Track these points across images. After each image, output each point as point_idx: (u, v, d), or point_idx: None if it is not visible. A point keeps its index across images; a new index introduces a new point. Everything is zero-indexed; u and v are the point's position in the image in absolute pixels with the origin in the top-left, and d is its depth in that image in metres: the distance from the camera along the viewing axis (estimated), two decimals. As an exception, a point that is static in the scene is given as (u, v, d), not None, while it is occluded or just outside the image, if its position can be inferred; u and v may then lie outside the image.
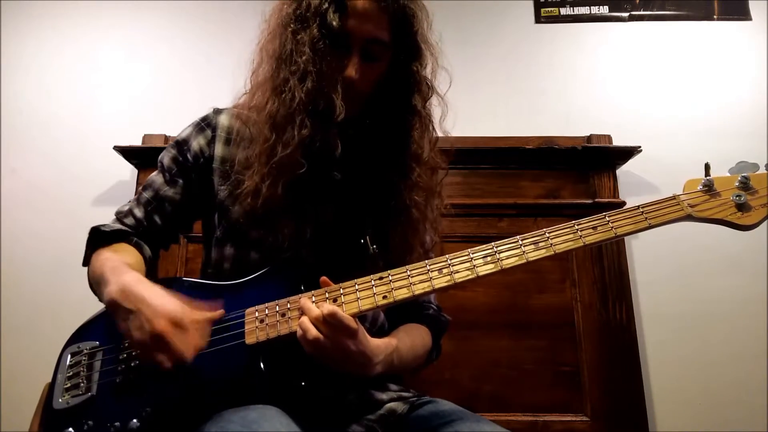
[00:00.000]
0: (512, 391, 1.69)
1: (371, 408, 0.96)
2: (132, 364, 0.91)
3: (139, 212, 1.07)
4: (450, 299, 1.72)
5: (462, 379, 1.69)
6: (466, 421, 0.87)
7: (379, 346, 0.90)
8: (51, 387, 0.96)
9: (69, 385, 0.94)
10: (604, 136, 1.95)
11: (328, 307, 0.83)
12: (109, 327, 0.95)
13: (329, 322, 0.82)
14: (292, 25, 0.97)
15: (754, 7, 2.22)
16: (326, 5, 0.94)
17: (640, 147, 1.87)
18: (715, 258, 1.93)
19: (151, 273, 1.08)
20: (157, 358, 0.81)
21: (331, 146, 0.97)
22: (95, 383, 0.92)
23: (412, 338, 1.02)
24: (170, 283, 0.96)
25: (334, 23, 0.93)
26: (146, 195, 1.08)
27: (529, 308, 1.76)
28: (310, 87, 0.94)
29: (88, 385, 0.92)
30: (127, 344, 0.93)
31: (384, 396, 0.99)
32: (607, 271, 1.79)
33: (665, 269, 1.94)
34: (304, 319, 0.83)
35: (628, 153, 1.89)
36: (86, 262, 1.04)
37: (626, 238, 1.85)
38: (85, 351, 0.96)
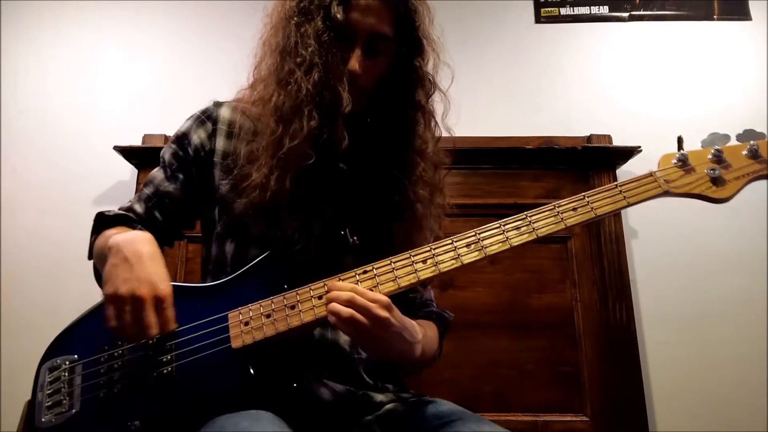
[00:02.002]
0: (512, 391, 1.69)
1: (370, 409, 0.96)
2: (114, 377, 0.88)
3: (139, 208, 1.06)
4: (450, 299, 1.72)
5: (462, 379, 1.69)
6: (465, 422, 0.87)
7: (414, 325, 0.89)
8: (31, 405, 0.91)
9: (50, 402, 0.89)
10: (604, 136, 1.95)
11: (350, 285, 0.83)
12: (86, 338, 0.92)
13: (357, 300, 0.80)
14: (295, 18, 0.96)
15: (754, 7, 2.22)
16: None
17: (640, 147, 1.87)
18: (715, 258, 1.93)
19: None
20: (126, 319, 0.82)
21: (337, 138, 0.96)
22: (78, 399, 0.88)
23: (425, 331, 0.99)
24: None
25: (339, 16, 0.93)
26: (147, 191, 1.07)
27: (529, 308, 1.76)
28: (317, 78, 0.93)
29: (70, 402, 0.88)
30: (107, 356, 0.90)
31: (383, 397, 0.98)
32: (607, 271, 1.79)
33: (665, 269, 1.94)
34: (333, 304, 0.81)
35: (628, 153, 1.89)
36: (90, 253, 1.04)
37: (626, 237, 1.85)
38: (64, 366, 0.91)
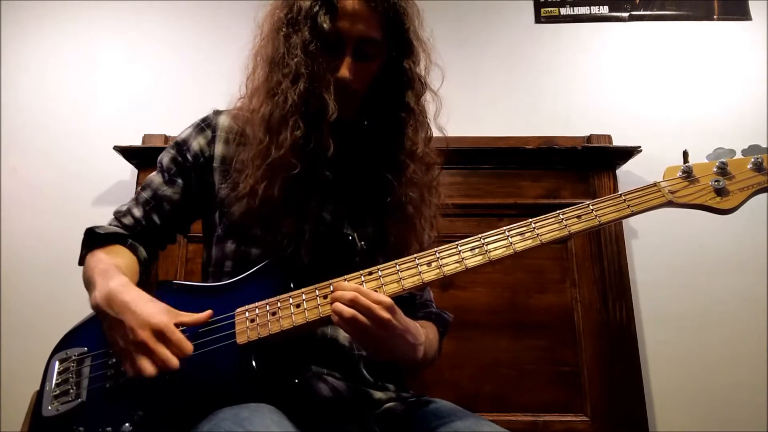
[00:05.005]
0: (512, 391, 1.69)
1: (369, 407, 0.97)
2: (122, 369, 0.89)
3: (137, 212, 1.07)
4: (450, 299, 1.72)
5: (462, 379, 1.69)
6: (465, 421, 0.87)
7: (417, 327, 0.90)
8: (39, 395, 0.94)
9: (58, 392, 0.92)
10: (604, 136, 1.94)
11: (354, 285, 0.83)
12: (97, 332, 0.94)
13: (360, 300, 0.81)
14: (284, 29, 0.97)
15: (754, 7, 2.22)
16: (317, 8, 0.95)
17: (640, 147, 1.86)
18: (715, 258, 1.93)
19: (148, 274, 1.08)
20: (140, 365, 0.81)
21: (324, 146, 0.97)
22: (85, 389, 0.91)
23: (427, 332, 1.00)
24: (159, 287, 0.97)
25: (325, 25, 0.94)
26: (145, 195, 1.09)
27: (529, 308, 1.76)
28: (302, 89, 0.94)
29: (77, 391, 0.91)
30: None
31: (382, 395, 0.99)
32: (607, 271, 1.79)
33: (665, 269, 1.94)
34: (336, 304, 0.82)
35: (628, 153, 1.88)
36: (81, 261, 1.05)
37: (626, 237, 1.85)
38: (74, 357, 0.95)
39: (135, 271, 1.02)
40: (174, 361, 0.81)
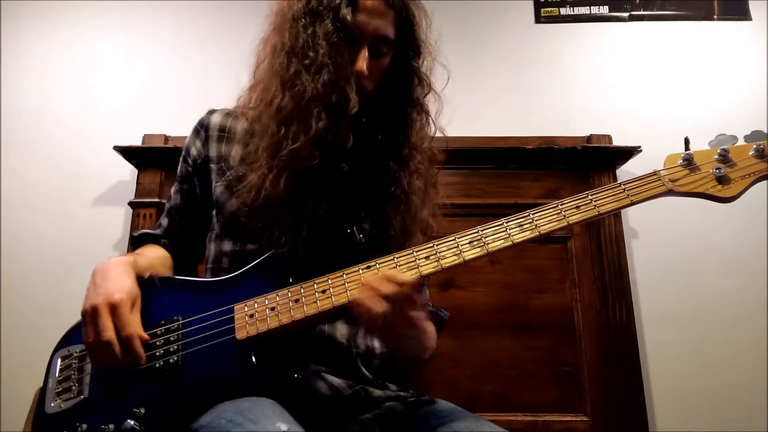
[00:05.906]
0: (512, 391, 1.69)
1: (369, 407, 0.96)
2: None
3: (164, 221, 1.15)
4: (450, 299, 1.72)
5: (462, 379, 1.69)
6: (464, 421, 0.87)
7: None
8: (42, 392, 0.95)
9: (60, 389, 0.93)
10: (604, 136, 1.94)
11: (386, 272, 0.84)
12: None
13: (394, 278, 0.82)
14: (303, 20, 0.97)
15: (754, 7, 2.22)
16: (338, 0, 0.95)
17: (640, 147, 1.86)
18: (715, 258, 1.93)
19: (192, 272, 1.15)
20: (87, 331, 0.87)
21: (342, 139, 0.98)
22: (87, 385, 0.92)
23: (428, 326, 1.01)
24: (161, 282, 0.98)
25: (348, 17, 0.95)
26: (168, 204, 1.16)
27: (529, 308, 1.76)
28: (326, 79, 0.94)
29: (79, 387, 0.92)
30: None
31: (381, 393, 0.99)
32: (607, 271, 1.79)
33: (665, 269, 1.93)
34: (369, 278, 0.83)
35: (628, 153, 1.89)
36: None
37: (626, 237, 1.85)
38: (75, 354, 0.96)
39: (164, 262, 1.06)
40: (109, 334, 0.85)
